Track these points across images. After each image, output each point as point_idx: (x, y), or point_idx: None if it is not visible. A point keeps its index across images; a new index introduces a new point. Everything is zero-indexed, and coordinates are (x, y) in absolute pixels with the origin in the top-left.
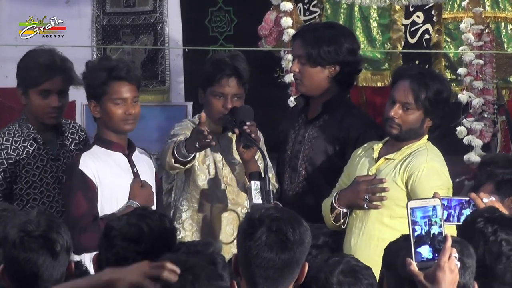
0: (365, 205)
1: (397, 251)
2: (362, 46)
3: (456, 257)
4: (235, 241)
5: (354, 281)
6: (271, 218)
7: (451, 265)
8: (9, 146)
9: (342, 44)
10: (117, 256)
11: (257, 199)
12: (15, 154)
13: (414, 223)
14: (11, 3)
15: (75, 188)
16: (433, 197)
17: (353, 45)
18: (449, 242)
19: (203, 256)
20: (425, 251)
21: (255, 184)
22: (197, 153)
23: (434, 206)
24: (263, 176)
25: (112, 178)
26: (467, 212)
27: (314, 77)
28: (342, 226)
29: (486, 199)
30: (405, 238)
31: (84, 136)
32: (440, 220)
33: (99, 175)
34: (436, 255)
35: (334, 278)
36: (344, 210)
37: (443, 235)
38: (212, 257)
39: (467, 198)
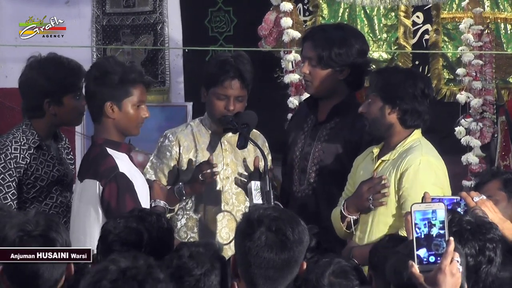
0: (370, 205)
1: (383, 253)
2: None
3: (458, 261)
4: (231, 243)
5: (345, 282)
6: (270, 218)
7: (452, 269)
8: (18, 155)
9: (352, 46)
10: None
11: (257, 200)
12: (24, 163)
13: (415, 225)
14: (11, 3)
15: (122, 191)
16: (438, 202)
17: (363, 47)
18: (451, 246)
19: (205, 257)
20: (425, 254)
21: (255, 184)
22: (193, 158)
23: (434, 210)
24: (263, 176)
25: (135, 179)
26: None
27: (324, 79)
28: (354, 232)
29: (477, 198)
30: (389, 239)
31: (69, 145)
32: (441, 223)
33: (131, 177)
34: (439, 258)
35: (325, 279)
36: (354, 217)
37: (445, 239)
38: (214, 258)
39: (458, 197)
